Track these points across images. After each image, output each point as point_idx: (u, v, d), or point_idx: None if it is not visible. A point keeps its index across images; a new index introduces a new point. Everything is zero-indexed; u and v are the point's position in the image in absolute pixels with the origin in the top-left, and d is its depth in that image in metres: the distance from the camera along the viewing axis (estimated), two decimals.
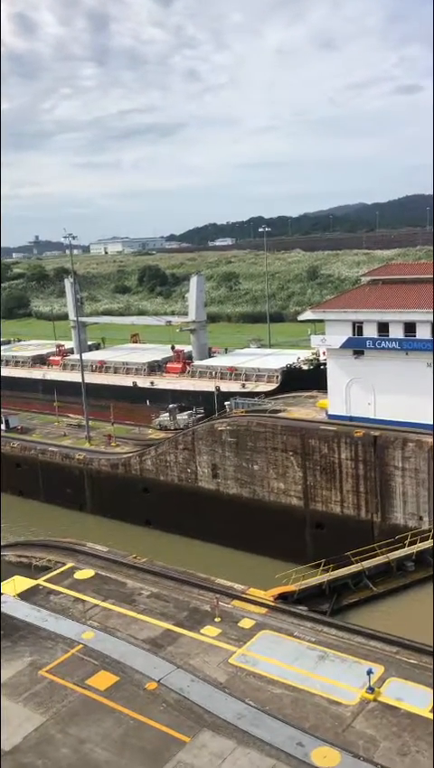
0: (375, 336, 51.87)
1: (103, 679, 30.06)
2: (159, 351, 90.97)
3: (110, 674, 30.41)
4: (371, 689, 27.92)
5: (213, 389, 71.35)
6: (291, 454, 53.99)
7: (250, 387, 72.10)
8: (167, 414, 71.46)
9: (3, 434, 76.85)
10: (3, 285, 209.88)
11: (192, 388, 76.03)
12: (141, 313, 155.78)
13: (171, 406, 72.20)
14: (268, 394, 67.94)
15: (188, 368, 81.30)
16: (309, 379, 65.50)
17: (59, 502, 69.26)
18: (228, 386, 73.26)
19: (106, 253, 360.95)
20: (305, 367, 70.79)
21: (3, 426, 78.29)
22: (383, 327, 51.47)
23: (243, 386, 72.81)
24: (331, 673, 29.60)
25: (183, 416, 70.50)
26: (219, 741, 25.90)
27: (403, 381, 50.77)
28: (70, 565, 41.13)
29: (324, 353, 60.89)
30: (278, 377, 71.71)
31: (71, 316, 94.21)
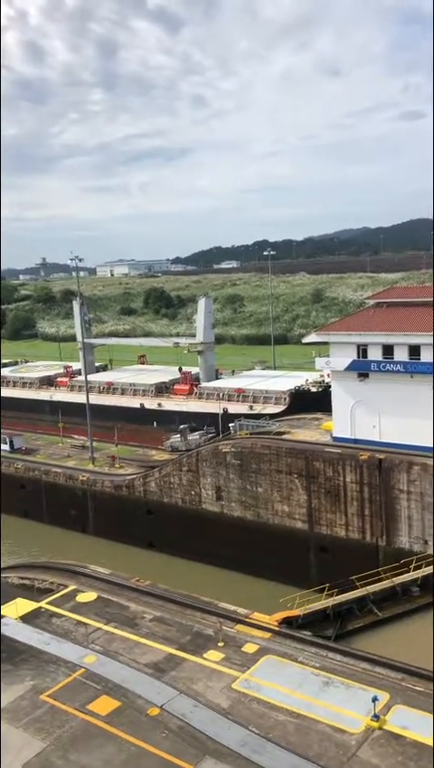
0: (380, 359, 51.90)
1: (105, 704, 29.68)
2: (166, 373, 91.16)
3: (112, 699, 30.04)
4: (376, 717, 27.48)
5: (221, 411, 71.22)
6: (296, 476, 53.78)
7: (258, 408, 71.93)
8: (178, 435, 71.12)
9: (7, 455, 76.83)
10: (10, 306, 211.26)
11: (199, 410, 75.87)
12: (146, 334, 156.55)
13: (181, 426, 71.73)
14: (273, 416, 67.83)
15: (195, 389, 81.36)
16: (318, 401, 65.28)
17: (62, 524, 68.99)
18: (235, 408, 73.09)
19: (112, 275, 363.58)
20: (313, 389, 70.64)
21: (7, 447, 78.30)
22: (388, 350, 51.53)
23: (251, 408, 72.64)
24: (335, 700, 29.18)
25: (194, 437, 70.02)
26: None
27: (408, 404, 50.68)
28: (72, 587, 40.85)
29: (328, 375, 60.93)
30: (286, 399, 71.56)
31: (79, 338, 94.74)
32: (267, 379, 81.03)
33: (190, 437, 69.97)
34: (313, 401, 66.42)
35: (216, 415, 71.41)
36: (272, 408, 70.93)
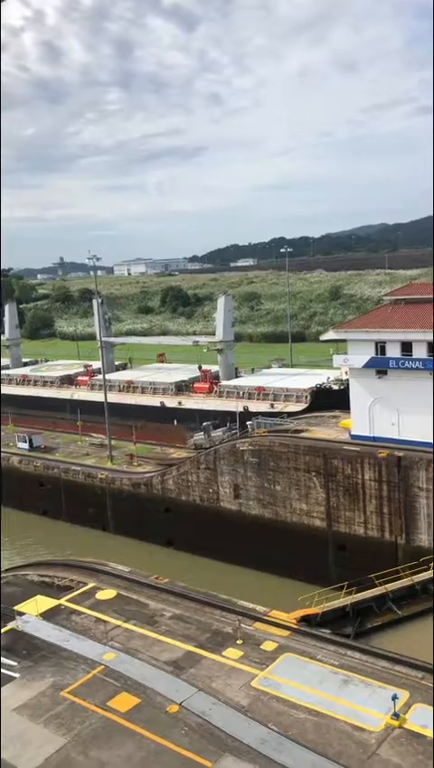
0: (398, 356, 51.58)
1: (124, 701, 29.85)
2: (186, 371, 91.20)
3: (132, 696, 30.20)
4: (396, 716, 27.36)
5: (241, 409, 70.98)
6: (314, 474, 53.64)
7: (279, 407, 71.41)
8: (202, 432, 70.78)
9: (26, 453, 77.45)
10: (28, 305, 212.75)
11: (219, 408, 75.75)
12: (164, 333, 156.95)
13: (205, 424, 71.11)
14: (290, 414, 67.66)
15: (215, 388, 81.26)
16: (339, 399, 64.55)
17: (81, 522, 69.36)
18: (256, 406, 72.77)
19: (129, 274, 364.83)
20: (335, 387, 70.06)
21: (26, 445, 78.91)
22: (407, 347, 51.18)
23: (271, 406, 72.15)
24: (355, 698, 29.09)
25: (217, 433, 69.58)
26: (241, 767, 25.51)
27: (428, 401, 50.28)
28: (92, 585, 41.09)
29: (346, 373, 60.64)
30: (307, 397, 71.05)
31: (99, 336, 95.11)
32: (287, 377, 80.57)
33: (213, 434, 69.69)
34: (334, 399, 65.77)
35: (236, 413, 71.26)
36: (293, 407, 70.51)
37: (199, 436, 70.75)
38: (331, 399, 66.48)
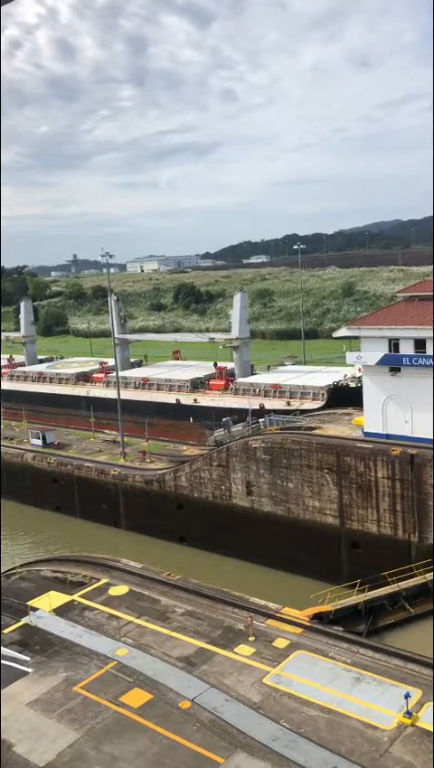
0: (412, 353, 51.30)
1: (137, 697, 30.00)
2: (201, 368, 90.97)
3: (144, 692, 30.33)
4: (408, 714, 27.30)
5: (257, 407, 70.52)
6: (326, 471, 53.51)
7: (296, 404, 70.50)
8: (222, 429, 69.85)
9: (40, 450, 77.90)
10: (42, 303, 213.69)
11: (235, 405, 75.41)
12: (176, 330, 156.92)
13: (224, 419, 70.38)
14: (304, 411, 67.38)
15: (231, 385, 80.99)
16: (357, 396, 63.64)
17: (94, 518, 69.65)
18: (272, 403, 71.97)
19: (142, 271, 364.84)
20: (352, 384, 69.20)
21: (40, 442, 79.35)
22: (420, 344, 50.89)
23: (288, 403, 71.29)
24: (367, 696, 29.05)
25: (237, 428, 68.64)
26: (253, 763, 25.56)
27: None
28: (104, 581, 41.28)
29: (359, 370, 60.34)
30: (324, 394, 70.36)
31: (115, 333, 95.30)
32: (304, 375, 79.89)
33: (233, 429, 69.26)
34: (352, 397, 64.53)
35: (253, 410, 70.73)
36: (310, 404, 69.84)
37: (219, 433, 70.24)
38: (348, 397, 65.79)
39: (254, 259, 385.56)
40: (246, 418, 69.52)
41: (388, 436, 53.30)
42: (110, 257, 79.88)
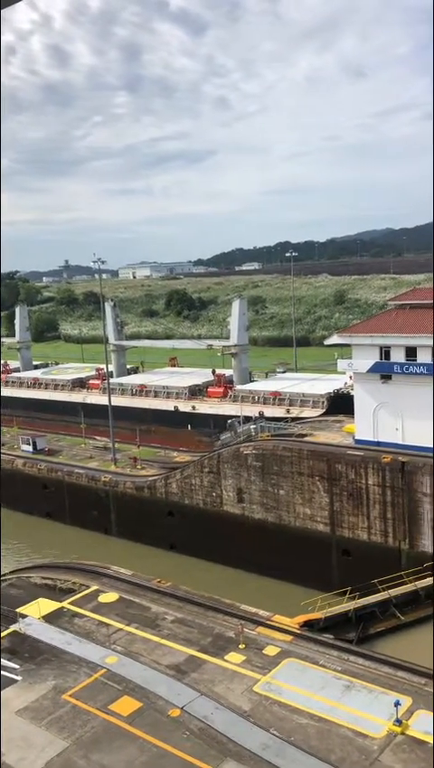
0: (403, 361, 51.51)
1: (126, 705, 29.81)
2: (199, 375, 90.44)
3: (133, 700, 30.15)
4: (398, 722, 27.26)
5: (257, 415, 69.89)
6: (317, 479, 53.55)
7: (295, 412, 69.96)
8: (229, 432, 68.52)
9: (30, 456, 77.58)
10: (33, 308, 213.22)
11: (234, 413, 74.85)
12: (168, 336, 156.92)
13: (230, 421, 69.83)
14: (295, 418, 67.40)
15: (230, 392, 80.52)
16: None
17: (84, 525, 69.37)
18: (271, 411, 71.30)
19: (134, 277, 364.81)
20: (352, 392, 68.79)
21: (30, 448, 79.01)
22: (411, 352, 51.12)
23: (288, 411, 70.62)
24: (357, 704, 28.99)
25: (245, 428, 66.21)
26: None
27: (432, 406, 50.19)
28: (94, 588, 41.08)
29: (350, 378, 60.47)
30: (324, 402, 69.97)
31: (111, 339, 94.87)
32: (303, 382, 79.28)
33: (241, 429, 67.76)
34: (352, 405, 64.53)
35: (251, 418, 69.97)
36: (310, 412, 69.36)
37: (226, 436, 69.10)
38: (349, 405, 65.46)
39: (246, 266, 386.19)
40: (253, 419, 68.59)
41: (379, 444, 53.43)
42: (102, 263, 79.86)
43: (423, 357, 50.45)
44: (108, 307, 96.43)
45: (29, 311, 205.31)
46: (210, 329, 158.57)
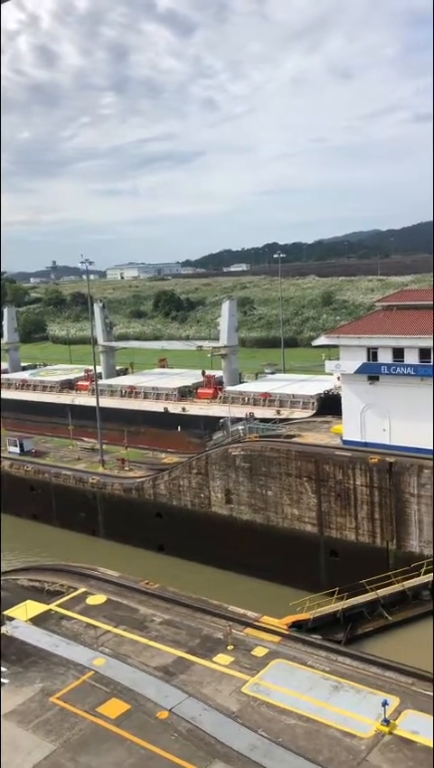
0: (390, 362, 51.73)
1: (114, 707, 29.71)
2: (189, 376, 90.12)
3: (121, 702, 30.06)
4: (386, 722, 27.35)
5: (247, 416, 69.77)
6: (305, 479, 53.67)
7: (286, 413, 69.85)
8: (222, 432, 68.45)
9: (17, 457, 77.20)
10: (21, 309, 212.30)
11: (224, 414, 74.91)
12: (156, 337, 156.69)
13: (222, 420, 69.67)
14: (282, 419, 67.49)
15: (220, 393, 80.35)
16: None
17: (72, 527, 69.12)
18: (262, 412, 71.04)
19: (122, 278, 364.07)
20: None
21: (17, 450, 78.60)
22: (398, 353, 51.36)
23: (278, 412, 70.55)
24: (345, 704, 29.06)
25: (236, 429, 66.17)
26: None
27: (419, 407, 50.46)
28: (82, 590, 40.91)
29: (338, 379, 60.66)
30: (314, 403, 70.01)
31: (100, 341, 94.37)
32: (293, 383, 79.24)
33: (232, 429, 67.68)
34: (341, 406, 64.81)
35: (240, 419, 69.82)
36: (300, 413, 69.33)
37: (219, 436, 68.98)
38: (338, 406, 65.67)
39: (234, 268, 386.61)
40: (247, 416, 68.44)
41: (366, 444, 53.63)
42: (90, 263, 79.60)
43: (410, 358, 50.70)
44: (97, 308, 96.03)
45: (17, 312, 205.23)
46: (198, 330, 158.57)
